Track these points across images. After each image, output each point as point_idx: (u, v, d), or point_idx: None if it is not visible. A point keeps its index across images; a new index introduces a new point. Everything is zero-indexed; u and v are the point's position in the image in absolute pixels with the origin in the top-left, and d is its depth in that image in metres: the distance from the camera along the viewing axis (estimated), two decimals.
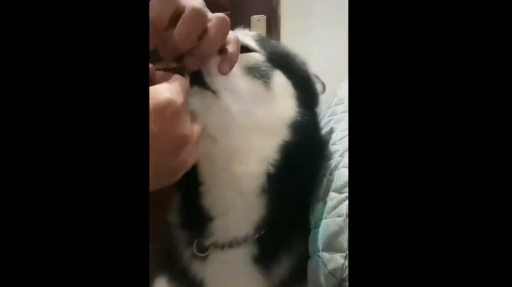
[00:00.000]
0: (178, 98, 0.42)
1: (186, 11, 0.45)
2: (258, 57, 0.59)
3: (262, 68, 0.58)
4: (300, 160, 0.58)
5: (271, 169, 0.57)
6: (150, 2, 0.43)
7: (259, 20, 1.43)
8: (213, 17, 0.48)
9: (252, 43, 0.60)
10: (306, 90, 0.63)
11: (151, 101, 0.39)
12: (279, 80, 0.59)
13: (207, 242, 0.61)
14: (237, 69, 0.54)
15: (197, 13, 0.46)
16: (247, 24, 1.45)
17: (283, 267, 0.61)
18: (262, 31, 1.44)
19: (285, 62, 0.62)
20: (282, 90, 0.60)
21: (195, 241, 0.62)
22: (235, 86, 0.55)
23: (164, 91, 0.41)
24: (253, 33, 0.63)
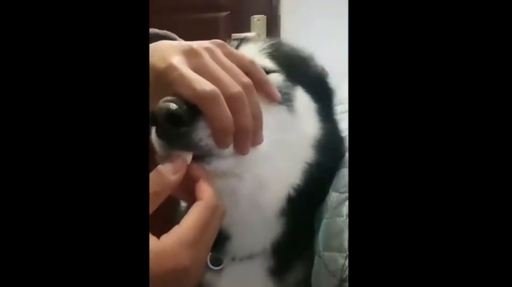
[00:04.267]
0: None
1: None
2: (277, 78, 0.55)
3: (284, 91, 0.55)
4: (320, 180, 0.57)
5: (293, 193, 0.56)
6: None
7: (259, 20, 1.43)
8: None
9: (267, 63, 0.56)
10: (324, 97, 0.61)
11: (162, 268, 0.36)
12: (301, 98, 0.57)
13: (223, 258, 0.60)
14: (260, 102, 0.50)
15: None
16: (247, 25, 1.44)
17: (297, 275, 0.61)
18: (262, 31, 1.43)
19: (302, 72, 0.60)
20: (305, 109, 0.57)
21: (210, 255, 0.60)
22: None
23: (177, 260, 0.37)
24: (262, 44, 0.59)
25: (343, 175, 0.55)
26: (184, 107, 0.42)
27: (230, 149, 0.47)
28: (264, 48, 0.58)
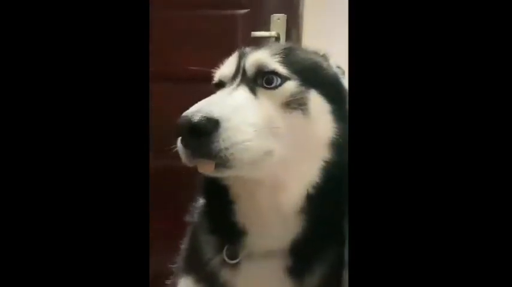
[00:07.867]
0: None
1: None
2: (291, 85, 0.58)
3: (298, 96, 0.58)
4: (338, 177, 0.59)
5: (312, 191, 0.59)
6: None
7: (279, 19, 1.41)
8: None
9: (281, 69, 0.59)
10: (338, 98, 0.63)
11: None
12: (315, 100, 0.60)
13: (238, 252, 0.62)
14: (275, 111, 0.56)
15: None
16: (267, 23, 1.43)
17: (315, 276, 0.61)
18: (282, 31, 1.41)
19: (315, 76, 0.62)
20: (319, 110, 0.60)
21: (226, 248, 0.63)
22: (277, 127, 0.55)
23: None
24: (276, 48, 0.62)
25: None
26: (204, 119, 0.48)
27: (247, 157, 0.51)
28: (276, 54, 0.61)
